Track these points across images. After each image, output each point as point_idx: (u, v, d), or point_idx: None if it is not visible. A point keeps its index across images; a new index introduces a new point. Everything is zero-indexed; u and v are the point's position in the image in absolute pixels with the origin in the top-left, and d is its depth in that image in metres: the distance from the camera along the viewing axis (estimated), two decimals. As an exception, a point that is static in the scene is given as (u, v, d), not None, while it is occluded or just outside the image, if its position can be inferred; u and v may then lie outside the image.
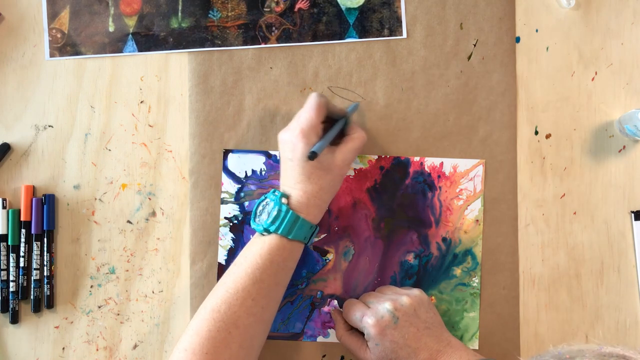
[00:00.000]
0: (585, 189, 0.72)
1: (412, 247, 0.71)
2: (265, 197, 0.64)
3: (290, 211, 0.61)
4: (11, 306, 0.70)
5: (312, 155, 0.59)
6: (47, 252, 0.70)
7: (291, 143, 0.62)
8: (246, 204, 0.71)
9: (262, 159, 0.71)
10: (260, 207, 0.64)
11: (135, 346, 0.71)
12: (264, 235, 0.62)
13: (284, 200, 0.62)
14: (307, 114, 0.62)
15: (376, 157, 0.71)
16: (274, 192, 0.63)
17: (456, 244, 0.71)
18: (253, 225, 0.63)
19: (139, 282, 0.71)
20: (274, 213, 0.61)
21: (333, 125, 0.66)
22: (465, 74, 0.71)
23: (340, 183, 0.65)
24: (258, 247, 0.62)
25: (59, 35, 0.72)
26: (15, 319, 0.70)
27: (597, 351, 0.41)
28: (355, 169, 0.71)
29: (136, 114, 0.72)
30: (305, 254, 0.70)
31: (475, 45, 0.72)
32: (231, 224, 0.71)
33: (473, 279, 0.71)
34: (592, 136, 0.72)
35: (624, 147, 0.72)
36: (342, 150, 0.64)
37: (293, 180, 0.63)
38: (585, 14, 0.72)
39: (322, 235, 0.71)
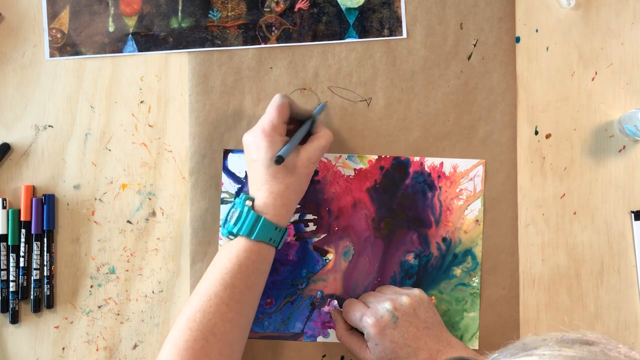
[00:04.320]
0: (585, 189, 0.72)
1: (412, 247, 0.71)
2: (234, 203, 0.64)
3: (251, 211, 0.61)
4: (11, 306, 0.70)
5: (279, 160, 0.59)
6: (47, 252, 0.70)
7: (255, 144, 0.62)
8: (246, 204, 0.71)
9: (262, 159, 0.71)
10: (230, 214, 0.64)
11: (135, 346, 0.71)
12: (231, 239, 0.63)
13: (248, 202, 0.62)
14: (268, 114, 0.63)
15: (376, 157, 0.71)
16: (240, 196, 0.63)
17: (456, 244, 0.71)
18: (222, 231, 0.63)
19: (139, 282, 0.71)
20: (236, 215, 0.62)
21: (300, 127, 0.65)
22: (465, 74, 0.71)
23: (308, 182, 0.65)
24: (226, 252, 0.62)
25: (59, 35, 0.72)
26: (15, 319, 0.70)
27: (560, 338, 0.40)
28: (355, 169, 0.71)
29: (136, 114, 0.72)
30: (305, 253, 0.70)
31: (475, 45, 0.72)
32: (231, 224, 0.71)
33: (473, 279, 0.71)
34: (592, 136, 0.72)
35: (624, 147, 0.72)
36: (307, 148, 0.64)
37: (259, 182, 0.63)
38: (585, 14, 0.72)
39: (322, 235, 0.71)
